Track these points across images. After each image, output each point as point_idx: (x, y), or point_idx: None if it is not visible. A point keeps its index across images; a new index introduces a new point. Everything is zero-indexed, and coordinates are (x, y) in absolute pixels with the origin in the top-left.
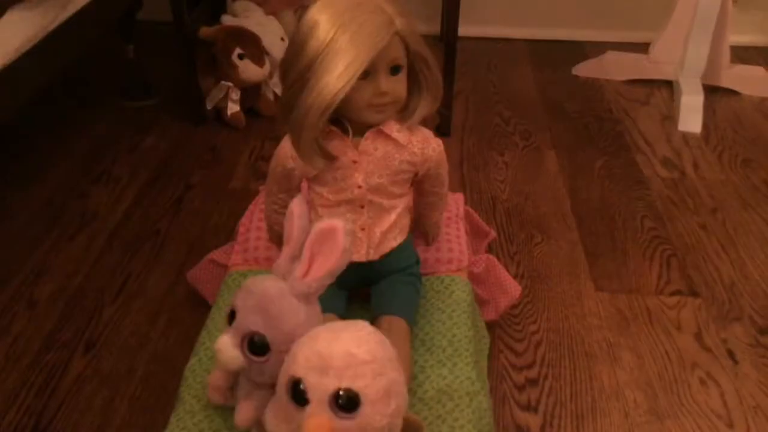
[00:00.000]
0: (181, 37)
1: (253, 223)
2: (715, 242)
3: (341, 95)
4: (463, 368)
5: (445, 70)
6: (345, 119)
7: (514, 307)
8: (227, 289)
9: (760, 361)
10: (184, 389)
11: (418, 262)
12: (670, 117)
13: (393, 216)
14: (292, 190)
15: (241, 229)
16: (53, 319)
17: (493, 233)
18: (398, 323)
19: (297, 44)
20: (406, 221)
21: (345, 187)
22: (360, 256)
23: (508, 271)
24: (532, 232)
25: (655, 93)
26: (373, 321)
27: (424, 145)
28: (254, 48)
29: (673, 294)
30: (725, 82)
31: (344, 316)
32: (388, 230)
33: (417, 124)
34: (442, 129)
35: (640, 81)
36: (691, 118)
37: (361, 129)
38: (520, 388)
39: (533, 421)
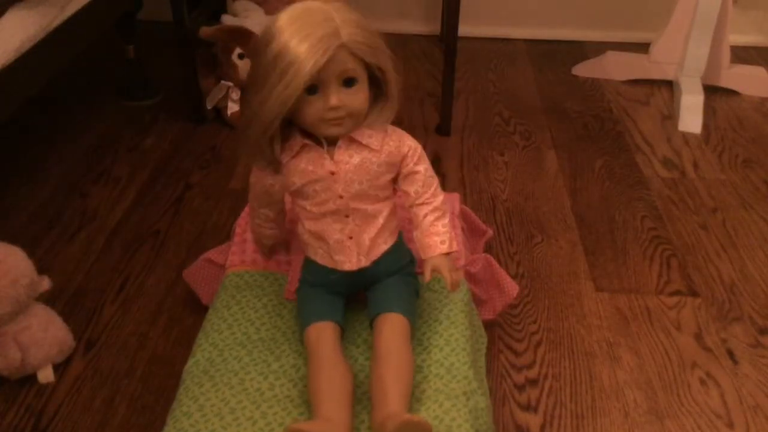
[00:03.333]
0: (181, 37)
1: (249, 223)
2: (715, 242)
3: (278, 117)
4: (459, 368)
5: (445, 70)
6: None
7: (513, 306)
8: (224, 291)
9: (760, 361)
10: (182, 391)
11: (413, 261)
12: (670, 117)
13: (380, 220)
14: (274, 204)
15: (238, 230)
16: None
17: (491, 231)
18: (398, 320)
19: (254, 55)
20: (394, 224)
21: (326, 198)
22: (351, 265)
23: (507, 270)
24: (532, 231)
25: (655, 93)
26: (372, 321)
27: (400, 143)
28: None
29: (673, 294)
30: (725, 82)
31: (342, 323)
32: (376, 235)
33: (390, 126)
34: (442, 129)
35: (640, 81)
36: (691, 118)
37: (333, 139)
38: (520, 388)
39: (533, 421)
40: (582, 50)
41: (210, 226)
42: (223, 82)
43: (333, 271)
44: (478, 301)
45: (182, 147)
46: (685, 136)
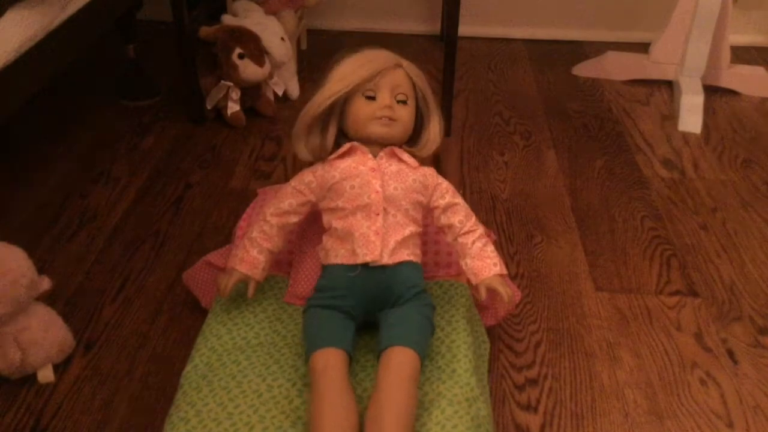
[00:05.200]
0: (182, 37)
1: (250, 226)
2: (715, 242)
3: (339, 96)
4: (462, 374)
5: (445, 70)
6: (361, 142)
7: (514, 306)
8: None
9: (760, 361)
10: (180, 396)
11: (427, 292)
12: (670, 117)
13: (407, 231)
14: (292, 214)
15: (239, 233)
16: None
17: (493, 236)
18: (409, 356)
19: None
20: (418, 249)
21: (362, 192)
22: (374, 256)
23: (508, 270)
24: (532, 232)
25: (655, 93)
26: (381, 353)
27: (433, 173)
28: (254, 48)
29: (673, 294)
30: (725, 82)
31: (352, 352)
32: (402, 241)
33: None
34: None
35: (640, 81)
36: (691, 118)
37: (375, 151)
38: (520, 388)
39: (533, 421)
40: (582, 50)
41: (210, 226)
42: (223, 81)
43: (353, 268)
44: (480, 307)
45: (182, 147)
46: (685, 136)
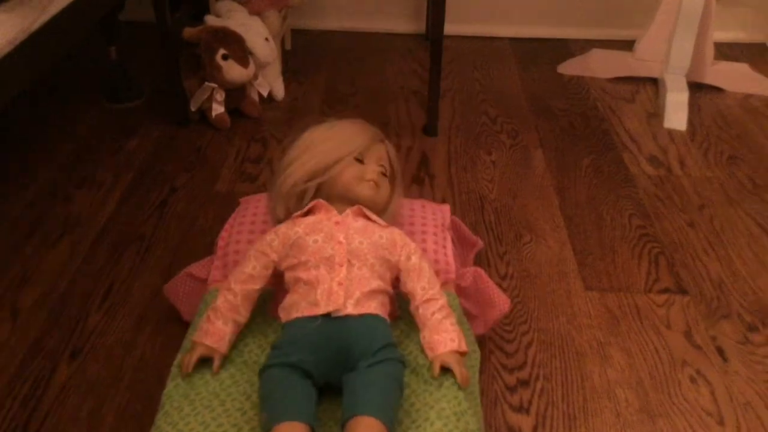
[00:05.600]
0: (164, 38)
1: (232, 236)
2: (702, 239)
3: (326, 170)
4: (449, 387)
5: (431, 69)
6: (331, 200)
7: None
8: (206, 308)
9: (749, 358)
10: (161, 416)
11: (397, 348)
12: (655, 114)
13: (373, 285)
14: (258, 279)
15: (220, 243)
16: (37, 327)
17: (481, 243)
18: (373, 428)
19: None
20: (386, 307)
21: (326, 245)
22: (337, 305)
23: (497, 271)
24: (520, 231)
25: (641, 90)
26: (345, 424)
27: (403, 233)
28: (238, 49)
29: (661, 292)
30: (710, 78)
31: (314, 424)
32: (368, 294)
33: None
34: (429, 129)
35: (625, 78)
36: (676, 115)
37: (342, 209)
38: (512, 390)
39: (525, 422)
40: (567, 48)
41: (196, 231)
42: (207, 83)
43: (313, 319)
44: (469, 316)
45: (167, 149)
46: (671, 134)
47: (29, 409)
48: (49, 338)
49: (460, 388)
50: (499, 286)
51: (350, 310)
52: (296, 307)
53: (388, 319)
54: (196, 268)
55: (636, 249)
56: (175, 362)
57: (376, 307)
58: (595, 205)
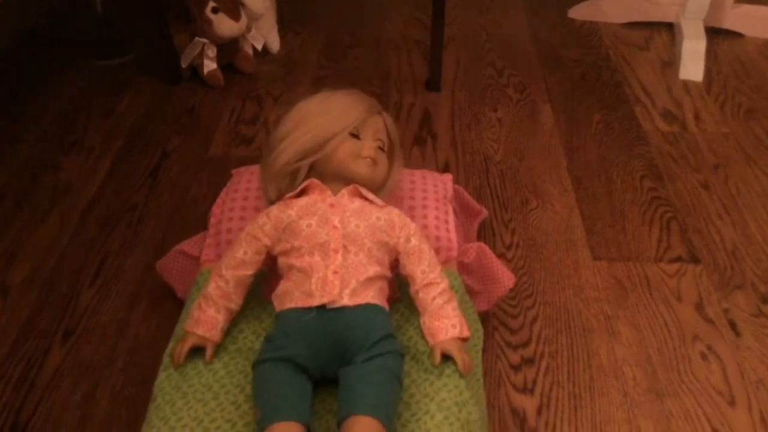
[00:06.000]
0: None
1: (224, 213)
2: (717, 202)
3: (320, 147)
4: (450, 375)
5: (434, 16)
6: (325, 179)
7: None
8: (198, 291)
9: (762, 332)
10: (153, 410)
11: (395, 339)
12: (670, 64)
13: (371, 272)
14: (249, 265)
15: (213, 220)
16: (28, 306)
17: (485, 212)
18: (371, 428)
19: (300, 105)
20: (384, 293)
21: (320, 230)
22: (332, 296)
23: (502, 240)
24: (527, 196)
25: (655, 37)
26: (341, 423)
27: (401, 213)
28: (229, 1)
29: (673, 261)
30: (729, 23)
31: (309, 423)
32: (365, 282)
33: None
34: (432, 84)
35: (639, 24)
36: (692, 65)
37: (337, 189)
38: (516, 368)
39: (529, 403)
40: None
41: (189, 199)
42: (197, 38)
43: (307, 311)
44: (472, 293)
45: (158, 110)
46: (687, 85)
47: (23, 393)
48: (41, 318)
49: (461, 376)
50: (504, 257)
51: (346, 301)
52: (290, 296)
53: (387, 306)
54: (188, 245)
55: (647, 214)
56: (167, 350)
57: (373, 295)
58: (606, 165)
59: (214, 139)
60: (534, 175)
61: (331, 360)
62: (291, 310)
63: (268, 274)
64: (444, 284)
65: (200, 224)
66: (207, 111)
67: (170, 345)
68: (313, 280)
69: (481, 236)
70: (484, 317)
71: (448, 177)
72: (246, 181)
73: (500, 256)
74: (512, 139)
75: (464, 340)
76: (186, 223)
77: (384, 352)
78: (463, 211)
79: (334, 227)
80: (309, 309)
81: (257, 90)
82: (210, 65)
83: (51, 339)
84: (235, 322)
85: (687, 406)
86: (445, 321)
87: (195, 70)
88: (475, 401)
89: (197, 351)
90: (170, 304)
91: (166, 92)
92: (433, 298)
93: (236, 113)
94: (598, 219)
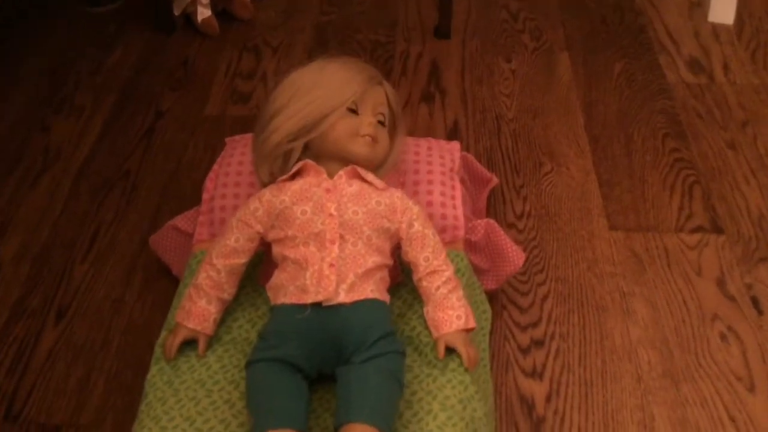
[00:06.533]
0: None
1: (217, 189)
2: (743, 164)
3: (315, 125)
4: (455, 370)
5: None
6: (321, 160)
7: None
8: (191, 275)
9: None
10: (144, 409)
11: (396, 337)
12: (699, 4)
13: (369, 263)
14: (241, 253)
15: (205, 195)
16: (20, 283)
17: (496, 179)
18: None
19: (287, 81)
20: (384, 283)
21: (315, 218)
22: (328, 294)
23: (513, 209)
24: (541, 158)
25: None
26: (336, 430)
27: (404, 196)
28: None
29: (694, 231)
30: None
31: (306, 429)
32: (363, 275)
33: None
34: (441, 30)
35: None
36: (722, 6)
37: (334, 170)
38: (525, 351)
39: (538, 389)
40: None
41: (185, 164)
42: None
43: (302, 308)
44: (479, 271)
45: (151, 62)
46: (716, 29)
47: (16, 377)
48: (33, 296)
49: (467, 370)
50: (515, 227)
51: (342, 298)
52: (284, 290)
53: (387, 298)
54: (181, 221)
55: (668, 178)
56: (159, 341)
57: (372, 289)
58: (626, 123)
59: (210, 96)
60: (549, 135)
61: (327, 358)
62: (285, 305)
63: (263, 257)
64: (449, 272)
65: (196, 193)
66: (202, 63)
67: (162, 335)
68: (308, 274)
69: (490, 205)
70: (493, 295)
71: (455, 145)
72: (239, 153)
73: (511, 226)
74: (526, 93)
75: (470, 330)
76: (182, 192)
77: (383, 352)
78: (471, 180)
79: (330, 215)
80: (303, 306)
81: (254, 39)
82: (204, 12)
83: (44, 319)
84: (229, 309)
85: (704, 392)
86: (450, 312)
87: (189, 18)
88: (481, 396)
89: (190, 342)
90: (165, 281)
91: (159, 43)
92: (437, 288)
93: (233, 66)
94: (616, 184)
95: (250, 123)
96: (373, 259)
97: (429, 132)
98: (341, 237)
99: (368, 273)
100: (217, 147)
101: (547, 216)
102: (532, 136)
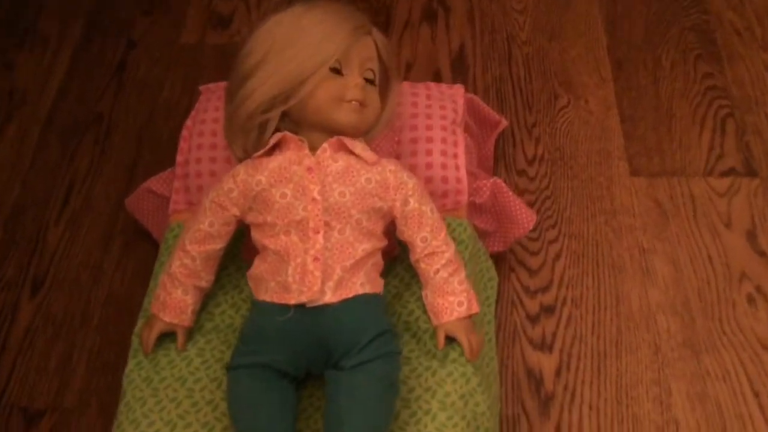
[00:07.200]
0: None
1: (192, 152)
2: None
3: (294, 90)
4: (456, 360)
5: None
6: (302, 130)
7: (529, 204)
8: (168, 252)
9: None
10: (123, 411)
11: (391, 335)
12: None
13: (359, 252)
14: (217, 238)
15: (179, 158)
16: None
17: (505, 122)
18: None
19: (266, 28)
20: (377, 268)
21: (296, 203)
22: (312, 294)
23: (524, 151)
24: (556, 90)
25: None
26: None
27: (398, 168)
28: None
29: (725, 174)
30: None
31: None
32: (352, 267)
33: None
34: None
35: None
36: None
37: (318, 141)
38: (534, 320)
39: (547, 363)
40: None
41: (162, 104)
42: None
43: (284, 309)
44: (484, 234)
45: None
46: None
47: None
48: (7, 265)
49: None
50: (525, 174)
51: (329, 297)
52: (265, 285)
53: (381, 288)
54: (156, 183)
55: (699, 109)
56: (136, 330)
57: (363, 282)
58: (654, 43)
59: (186, 20)
60: (566, 60)
61: (315, 361)
62: (266, 304)
63: (246, 232)
64: (449, 252)
65: (173, 141)
66: None
67: (139, 323)
68: (290, 270)
69: (498, 148)
70: (500, 256)
71: (458, 90)
72: (213, 108)
73: (521, 173)
74: (542, 9)
75: (473, 315)
76: (158, 138)
77: (376, 356)
78: (478, 125)
79: (314, 200)
80: (286, 307)
81: None
82: None
83: (19, 291)
84: (211, 293)
85: (726, 363)
86: (451, 298)
87: None
88: (484, 387)
89: (170, 333)
90: (145, 245)
91: None
92: (437, 271)
93: None
94: (640, 119)
95: (230, 54)
96: (363, 247)
97: (431, 60)
98: (326, 224)
99: (358, 264)
100: (196, 80)
101: (562, 160)
102: (548, 62)
